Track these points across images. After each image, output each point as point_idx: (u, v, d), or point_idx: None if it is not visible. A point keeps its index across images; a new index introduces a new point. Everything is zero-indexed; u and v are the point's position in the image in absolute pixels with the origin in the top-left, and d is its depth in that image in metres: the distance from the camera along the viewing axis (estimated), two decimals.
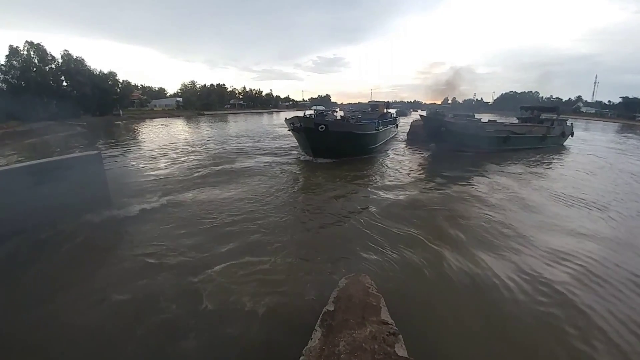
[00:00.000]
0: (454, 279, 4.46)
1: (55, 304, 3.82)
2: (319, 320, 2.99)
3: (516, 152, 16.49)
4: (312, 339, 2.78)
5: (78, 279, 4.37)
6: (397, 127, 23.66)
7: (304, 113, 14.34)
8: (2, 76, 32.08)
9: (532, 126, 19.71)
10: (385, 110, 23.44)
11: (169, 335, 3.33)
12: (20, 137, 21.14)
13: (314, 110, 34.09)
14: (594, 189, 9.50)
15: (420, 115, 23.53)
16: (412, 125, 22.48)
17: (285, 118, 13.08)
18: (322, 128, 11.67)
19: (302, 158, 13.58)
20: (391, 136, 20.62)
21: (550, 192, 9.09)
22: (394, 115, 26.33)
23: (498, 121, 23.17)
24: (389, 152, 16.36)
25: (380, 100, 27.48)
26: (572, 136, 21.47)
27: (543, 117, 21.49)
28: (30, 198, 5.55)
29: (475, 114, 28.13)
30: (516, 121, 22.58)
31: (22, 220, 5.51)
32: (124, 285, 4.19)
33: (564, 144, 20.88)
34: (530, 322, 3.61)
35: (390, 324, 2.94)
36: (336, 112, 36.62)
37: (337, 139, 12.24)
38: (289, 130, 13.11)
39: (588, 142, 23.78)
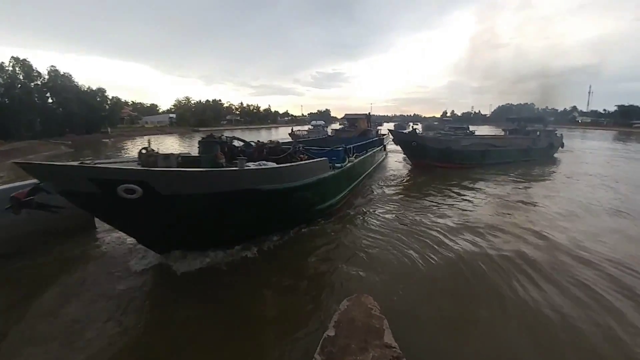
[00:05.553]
0: (465, 299, 4.28)
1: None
2: (318, 348, 2.81)
3: (495, 167, 14.98)
4: None
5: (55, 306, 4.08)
6: (384, 150, 18.04)
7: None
8: None
9: (515, 138, 18.87)
10: (368, 126, 18.89)
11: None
12: (2, 157, 20.42)
13: (313, 125, 33.59)
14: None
15: (388, 129, 22.97)
16: None
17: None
18: (131, 194, 3.63)
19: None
20: (373, 167, 13.52)
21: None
22: (381, 132, 22.56)
23: (477, 134, 23.36)
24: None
25: (359, 113, 20.78)
26: (562, 147, 20.61)
27: (529, 129, 20.67)
28: (9, 223, 5.21)
29: (472, 126, 27.61)
30: (503, 133, 22.09)
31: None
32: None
33: (554, 155, 19.87)
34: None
35: (394, 347, 2.80)
36: (326, 128, 35.94)
37: (204, 212, 4.49)
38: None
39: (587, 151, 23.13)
